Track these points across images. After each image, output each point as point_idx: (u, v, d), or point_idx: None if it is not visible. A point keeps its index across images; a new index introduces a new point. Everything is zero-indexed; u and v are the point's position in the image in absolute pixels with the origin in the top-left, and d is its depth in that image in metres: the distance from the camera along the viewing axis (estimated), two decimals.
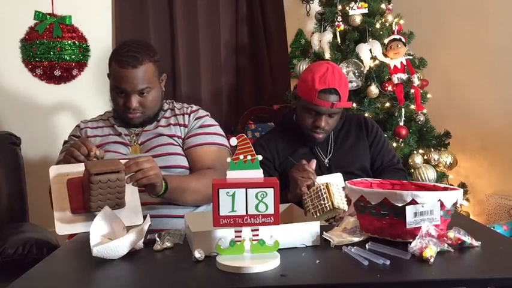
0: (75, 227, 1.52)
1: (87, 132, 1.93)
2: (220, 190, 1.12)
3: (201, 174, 1.80)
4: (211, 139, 1.91)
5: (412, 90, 2.72)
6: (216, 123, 1.99)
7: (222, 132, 1.98)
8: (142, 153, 1.85)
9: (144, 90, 1.81)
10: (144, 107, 1.84)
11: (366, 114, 2.66)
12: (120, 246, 1.19)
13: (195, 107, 2.00)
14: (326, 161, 2.03)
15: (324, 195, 1.55)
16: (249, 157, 1.16)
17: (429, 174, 2.67)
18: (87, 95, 3.11)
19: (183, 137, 1.91)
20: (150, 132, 1.90)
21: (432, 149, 2.81)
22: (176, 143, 1.89)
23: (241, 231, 1.15)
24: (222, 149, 1.90)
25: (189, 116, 1.94)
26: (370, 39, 2.81)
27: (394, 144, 2.68)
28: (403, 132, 2.65)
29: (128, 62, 1.77)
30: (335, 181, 1.69)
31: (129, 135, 1.90)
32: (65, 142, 1.98)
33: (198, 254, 1.16)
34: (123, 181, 1.48)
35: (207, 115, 1.99)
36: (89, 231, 1.27)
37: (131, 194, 1.56)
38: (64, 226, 1.51)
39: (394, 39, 2.74)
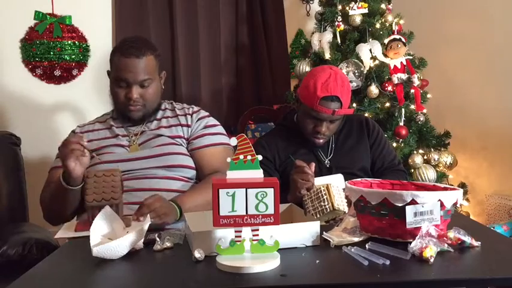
0: (75, 234, 1.56)
1: (83, 138, 1.93)
2: (220, 190, 1.12)
3: (210, 183, 1.80)
4: (217, 139, 1.92)
5: (412, 90, 2.72)
6: (219, 123, 2.00)
7: (225, 132, 1.99)
8: (141, 153, 1.85)
9: (146, 81, 1.83)
10: (145, 100, 1.85)
11: (366, 114, 2.66)
12: (120, 246, 1.19)
13: (196, 108, 2.00)
14: (327, 161, 2.02)
15: (324, 197, 1.54)
16: (249, 157, 1.16)
17: (429, 174, 2.67)
18: (87, 95, 3.11)
19: (186, 137, 1.91)
20: (150, 133, 1.89)
21: (432, 149, 2.80)
22: (178, 143, 1.89)
23: (241, 231, 1.15)
24: (228, 149, 1.90)
25: (191, 117, 1.94)
26: (370, 39, 2.81)
27: (394, 144, 2.68)
28: (403, 132, 2.65)
29: (132, 52, 1.81)
30: (336, 182, 1.68)
31: (127, 136, 1.90)
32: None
33: (198, 254, 1.16)
34: (118, 176, 1.55)
35: (209, 115, 1.99)
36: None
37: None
38: (65, 232, 1.57)
39: (394, 39, 2.74)
